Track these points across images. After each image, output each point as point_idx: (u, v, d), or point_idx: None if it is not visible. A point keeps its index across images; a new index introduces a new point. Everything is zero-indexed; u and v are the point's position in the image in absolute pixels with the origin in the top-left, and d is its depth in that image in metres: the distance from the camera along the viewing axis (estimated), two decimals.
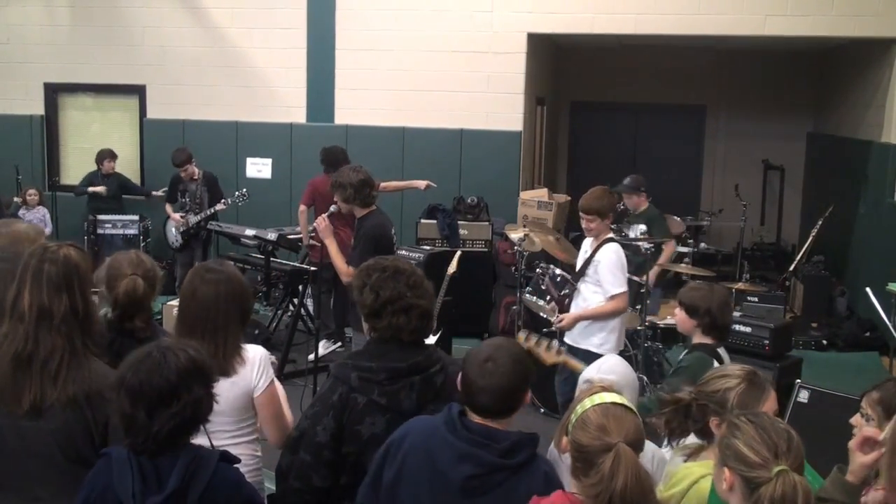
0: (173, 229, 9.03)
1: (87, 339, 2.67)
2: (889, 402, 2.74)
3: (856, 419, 2.84)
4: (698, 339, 3.96)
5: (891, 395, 2.75)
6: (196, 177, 8.90)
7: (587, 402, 2.20)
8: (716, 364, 3.87)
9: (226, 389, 2.94)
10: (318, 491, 2.70)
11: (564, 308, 5.61)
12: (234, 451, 2.96)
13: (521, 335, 4.51)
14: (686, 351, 4.06)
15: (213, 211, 8.72)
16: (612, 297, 5.25)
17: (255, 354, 3.07)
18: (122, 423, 2.27)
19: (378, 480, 2.49)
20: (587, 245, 5.50)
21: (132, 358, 2.31)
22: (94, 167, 9.91)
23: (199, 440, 2.42)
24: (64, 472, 2.59)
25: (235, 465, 2.41)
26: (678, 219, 10.39)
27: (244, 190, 8.85)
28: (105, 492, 2.27)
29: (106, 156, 9.78)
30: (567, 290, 5.57)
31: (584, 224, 5.35)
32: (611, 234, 5.39)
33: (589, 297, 5.40)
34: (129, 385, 2.23)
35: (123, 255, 3.23)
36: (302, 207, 7.97)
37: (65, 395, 2.54)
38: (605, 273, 5.24)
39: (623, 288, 5.28)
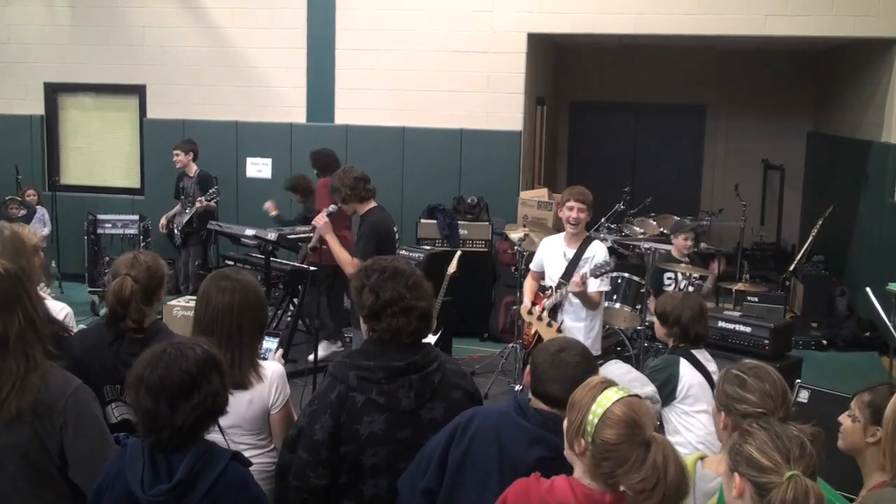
0: (176, 229, 9.05)
1: (44, 344, 2.55)
2: (878, 407, 2.73)
3: (843, 418, 2.84)
4: (673, 346, 4.02)
5: (881, 399, 2.73)
6: (192, 174, 8.98)
7: (604, 401, 2.14)
8: (682, 364, 3.89)
9: (244, 408, 2.96)
10: (316, 489, 2.69)
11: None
12: (256, 460, 2.96)
13: (525, 308, 4.53)
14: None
15: (191, 211, 8.72)
16: (598, 292, 5.35)
17: (273, 371, 3.07)
18: (144, 420, 2.27)
19: (443, 462, 2.53)
20: (559, 244, 5.45)
21: (147, 356, 2.31)
22: (93, 167, 9.90)
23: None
24: (27, 496, 2.49)
25: (248, 468, 2.41)
26: (678, 218, 10.39)
27: (216, 188, 8.83)
28: (116, 478, 2.30)
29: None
30: (549, 292, 5.47)
31: (574, 214, 5.30)
32: (588, 233, 5.51)
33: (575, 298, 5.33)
34: (150, 382, 2.25)
35: (122, 258, 3.20)
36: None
37: (8, 413, 2.43)
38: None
39: (608, 287, 5.51)
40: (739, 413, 2.54)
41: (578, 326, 5.26)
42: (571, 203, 5.33)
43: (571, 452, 2.21)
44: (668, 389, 3.87)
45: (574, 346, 2.59)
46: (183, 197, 9.00)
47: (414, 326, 2.74)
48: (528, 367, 2.63)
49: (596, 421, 2.11)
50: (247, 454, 2.94)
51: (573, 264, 5.33)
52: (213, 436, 2.45)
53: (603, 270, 5.17)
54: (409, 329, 2.73)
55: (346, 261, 5.60)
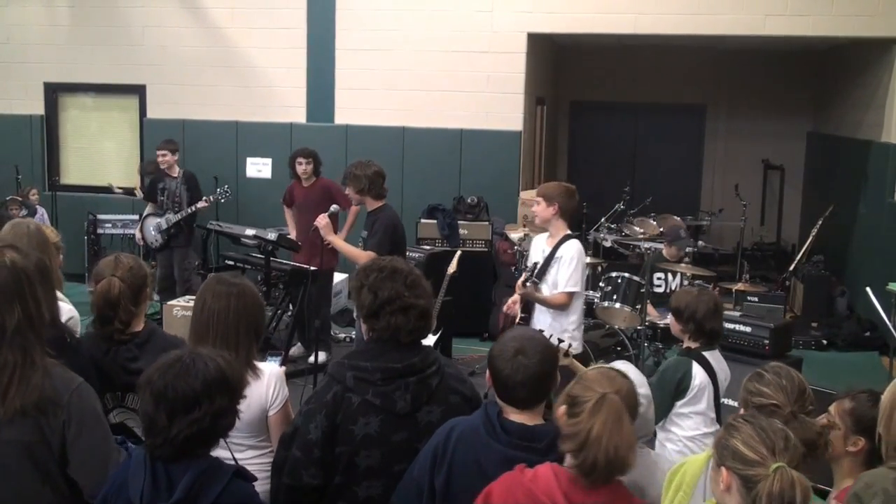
0: (151, 229, 8.65)
1: (43, 342, 2.54)
2: (861, 416, 2.67)
3: (821, 419, 2.74)
4: (687, 343, 4.00)
5: (864, 409, 2.67)
6: (175, 174, 8.64)
7: (588, 369, 2.32)
8: (695, 367, 3.90)
9: (242, 408, 2.95)
10: (308, 488, 2.68)
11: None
12: (255, 461, 2.99)
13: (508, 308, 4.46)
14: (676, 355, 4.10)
15: (194, 209, 8.44)
16: (562, 293, 5.11)
17: (271, 372, 3.07)
18: (143, 422, 2.29)
19: (432, 489, 2.51)
20: (541, 243, 5.36)
21: (162, 361, 2.32)
22: (93, 167, 9.85)
23: (222, 453, 2.41)
24: (29, 492, 2.49)
25: (252, 483, 2.38)
26: (678, 218, 10.40)
27: (226, 186, 8.65)
28: (120, 489, 2.30)
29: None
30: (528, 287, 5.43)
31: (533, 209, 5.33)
32: (569, 231, 5.25)
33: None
34: (155, 387, 2.25)
35: (104, 260, 3.19)
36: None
37: (12, 407, 2.43)
38: (563, 269, 5.10)
39: (576, 288, 5.09)
40: (755, 406, 2.60)
41: (547, 321, 5.16)
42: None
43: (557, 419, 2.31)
44: (680, 389, 3.89)
45: (529, 343, 2.50)
46: (163, 198, 8.61)
47: (413, 325, 2.73)
48: (487, 372, 2.57)
49: (573, 384, 2.29)
50: (245, 454, 2.95)
51: (546, 263, 5.23)
52: None
53: (527, 277, 5.15)
54: (408, 327, 2.72)
55: (360, 255, 5.62)
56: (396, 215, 5.99)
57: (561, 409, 2.27)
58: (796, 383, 2.65)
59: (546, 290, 5.20)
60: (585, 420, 2.14)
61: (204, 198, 8.49)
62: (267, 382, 3.04)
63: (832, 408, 2.76)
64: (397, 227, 5.84)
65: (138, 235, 8.76)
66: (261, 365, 3.07)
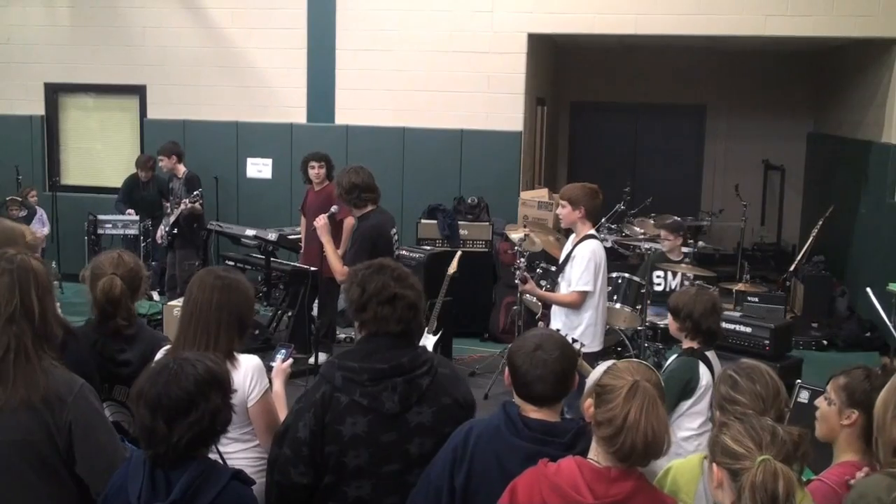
0: (163, 227, 8.81)
1: (42, 342, 2.57)
2: (853, 389, 2.73)
3: (820, 401, 2.84)
4: (686, 343, 4.00)
5: (857, 382, 2.73)
6: (181, 175, 8.83)
7: (615, 361, 2.33)
8: (701, 368, 3.90)
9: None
10: (297, 486, 2.69)
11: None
12: (241, 455, 2.99)
13: None
14: (675, 356, 4.09)
15: (178, 212, 8.52)
16: (573, 292, 5.19)
17: (249, 364, 3.06)
18: (142, 434, 2.28)
19: (451, 491, 2.51)
20: (569, 242, 5.46)
21: (150, 370, 2.33)
22: (93, 167, 9.85)
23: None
24: (32, 487, 2.50)
25: (251, 486, 2.39)
26: (678, 218, 10.38)
27: (198, 192, 8.60)
28: (119, 491, 2.31)
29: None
30: (547, 284, 5.54)
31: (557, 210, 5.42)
32: (591, 232, 5.31)
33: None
34: (148, 397, 2.25)
35: (106, 256, 3.24)
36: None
37: (15, 397, 2.45)
38: (575, 268, 5.19)
39: (587, 288, 5.14)
40: (732, 414, 2.57)
41: (561, 318, 5.29)
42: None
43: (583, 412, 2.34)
44: (687, 389, 3.89)
45: (548, 340, 2.54)
46: (172, 198, 8.85)
47: (400, 314, 2.73)
48: (506, 369, 2.60)
49: (600, 374, 2.30)
50: (229, 448, 2.94)
51: (564, 263, 5.36)
52: None
53: (522, 274, 5.51)
54: (395, 317, 2.72)
55: (338, 270, 5.56)
56: (379, 225, 5.80)
57: (588, 402, 2.28)
58: (771, 387, 2.66)
59: (563, 287, 5.33)
60: (621, 406, 2.16)
61: (182, 201, 8.51)
62: (244, 373, 3.03)
63: (829, 385, 2.82)
64: (376, 239, 5.70)
65: (158, 233, 8.93)
66: (239, 357, 3.07)
